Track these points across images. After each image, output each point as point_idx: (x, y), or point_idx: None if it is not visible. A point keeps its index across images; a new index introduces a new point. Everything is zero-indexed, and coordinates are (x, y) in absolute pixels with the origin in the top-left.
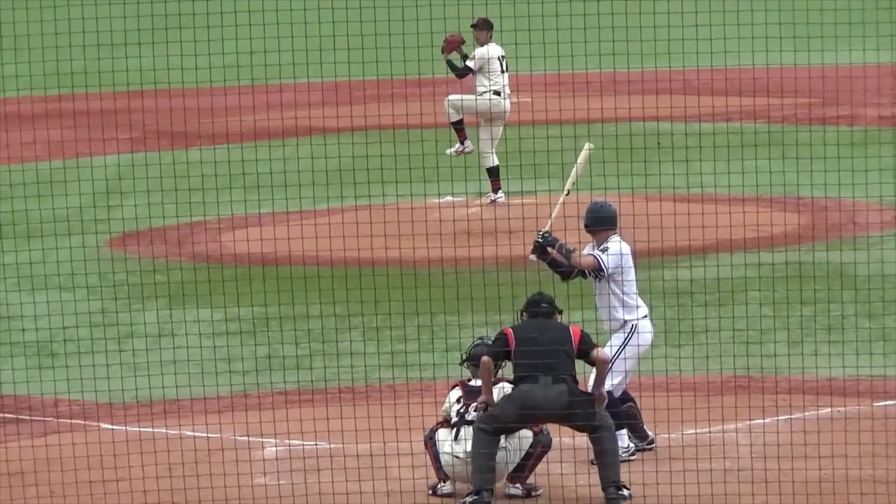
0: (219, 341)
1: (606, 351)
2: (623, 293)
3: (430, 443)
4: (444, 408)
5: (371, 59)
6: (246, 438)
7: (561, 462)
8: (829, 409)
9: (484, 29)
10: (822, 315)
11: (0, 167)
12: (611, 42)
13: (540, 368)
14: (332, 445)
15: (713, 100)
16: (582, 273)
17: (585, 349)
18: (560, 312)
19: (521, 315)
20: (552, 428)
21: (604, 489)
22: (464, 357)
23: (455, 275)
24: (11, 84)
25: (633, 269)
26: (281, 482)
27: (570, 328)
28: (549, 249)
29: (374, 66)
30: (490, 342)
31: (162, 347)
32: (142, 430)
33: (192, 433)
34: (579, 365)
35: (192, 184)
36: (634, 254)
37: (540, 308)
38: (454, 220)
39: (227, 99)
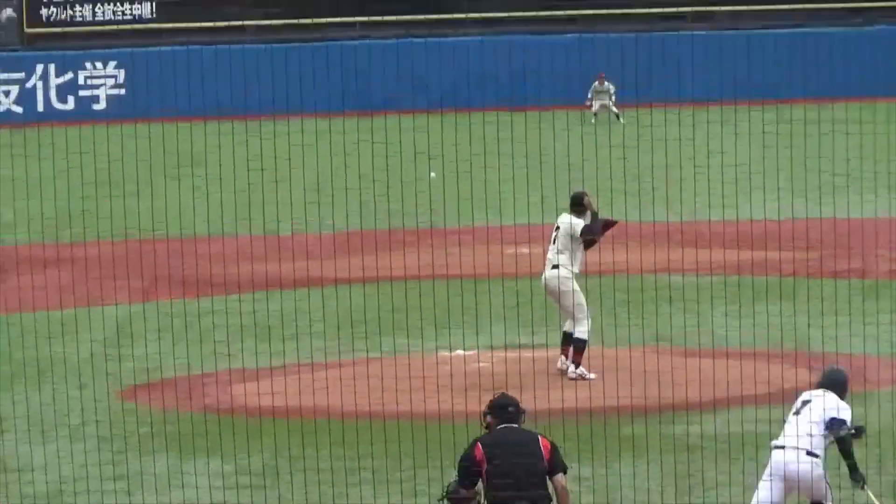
0: (229, 492)
1: (565, 480)
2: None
3: None
4: None
5: (383, 209)
6: None
7: None
8: None
9: None
10: (833, 469)
11: (11, 314)
12: (622, 194)
13: (514, 490)
14: None
15: (725, 252)
16: None
17: (553, 468)
18: (524, 413)
19: (485, 418)
20: None
21: None
22: (444, 494)
23: (465, 428)
24: (23, 230)
25: None
26: None
27: (540, 441)
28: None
29: (385, 216)
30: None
31: (172, 500)
32: None
33: None
34: None
35: (203, 333)
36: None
37: (507, 412)
38: (465, 374)
39: (238, 248)
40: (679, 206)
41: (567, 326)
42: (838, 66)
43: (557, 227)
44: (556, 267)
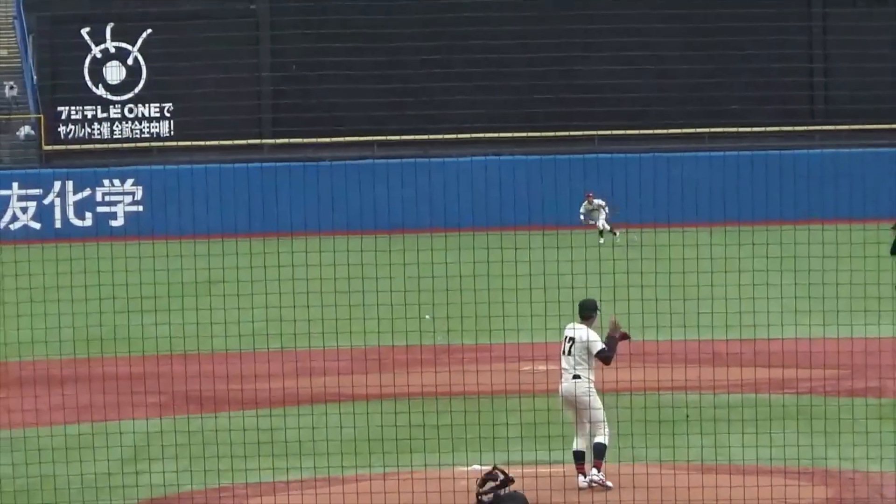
0: None
1: None
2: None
3: None
4: None
5: (400, 327)
6: None
7: None
8: None
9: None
10: None
11: (27, 430)
12: (640, 314)
13: None
14: None
15: (741, 371)
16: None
17: None
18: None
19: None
20: None
21: None
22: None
23: None
24: (41, 348)
25: None
26: None
27: None
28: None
29: (403, 334)
30: None
31: None
32: None
33: None
34: None
35: (220, 450)
36: None
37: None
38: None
39: (255, 365)
40: (696, 326)
41: (579, 445)
42: (844, 188)
43: (571, 339)
44: (576, 377)
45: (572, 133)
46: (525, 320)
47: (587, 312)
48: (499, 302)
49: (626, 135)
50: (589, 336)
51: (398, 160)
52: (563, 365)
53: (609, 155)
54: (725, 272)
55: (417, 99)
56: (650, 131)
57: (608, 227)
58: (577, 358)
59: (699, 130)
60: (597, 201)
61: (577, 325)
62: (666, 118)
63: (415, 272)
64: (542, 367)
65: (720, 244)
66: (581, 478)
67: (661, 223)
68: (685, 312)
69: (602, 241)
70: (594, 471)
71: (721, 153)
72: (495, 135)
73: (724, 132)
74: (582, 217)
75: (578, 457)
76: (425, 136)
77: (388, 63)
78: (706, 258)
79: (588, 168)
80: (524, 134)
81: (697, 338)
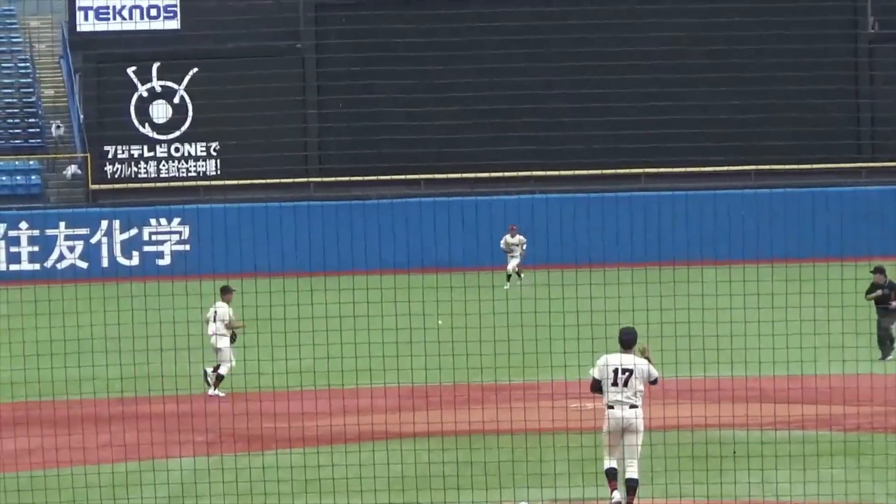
0: None
1: None
2: None
3: None
4: None
5: (448, 364)
6: None
7: None
8: None
9: None
10: None
11: (75, 469)
12: (687, 351)
13: None
14: None
15: (789, 408)
16: None
17: None
18: None
19: None
20: None
21: None
22: None
23: None
24: (88, 386)
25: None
26: None
27: None
28: None
29: (450, 371)
30: None
31: None
32: None
33: None
34: None
35: (267, 487)
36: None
37: None
38: None
39: (303, 403)
40: (743, 362)
41: (612, 463)
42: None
43: (627, 371)
44: (633, 407)
45: (618, 171)
46: (573, 357)
47: (633, 340)
48: (546, 339)
49: (671, 172)
50: (650, 369)
51: (445, 198)
52: (615, 397)
53: (656, 193)
54: (772, 308)
55: (464, 136)
56: (695, 169)
57: (517, 270)
58: (635, 388)
59: (744, 168)
60: (519, 237)
61: (625, 355)
62: (710, 155)
63: (461, 309)
64: (590, 405)
65: (766, 280)
66: (616, 493)
67: (707, 259)
68: (732, 349)
69: (507, 286)
70: None
71: (767, 190)
72: (542, 173)
73: (769, 169)
74: (503, 247)
75: (612, 474)
76: (473, 175)
77: (435, 100)
78: (753, 294)
79: (634, 205)
80: (570, 172)
81: (744, 374)
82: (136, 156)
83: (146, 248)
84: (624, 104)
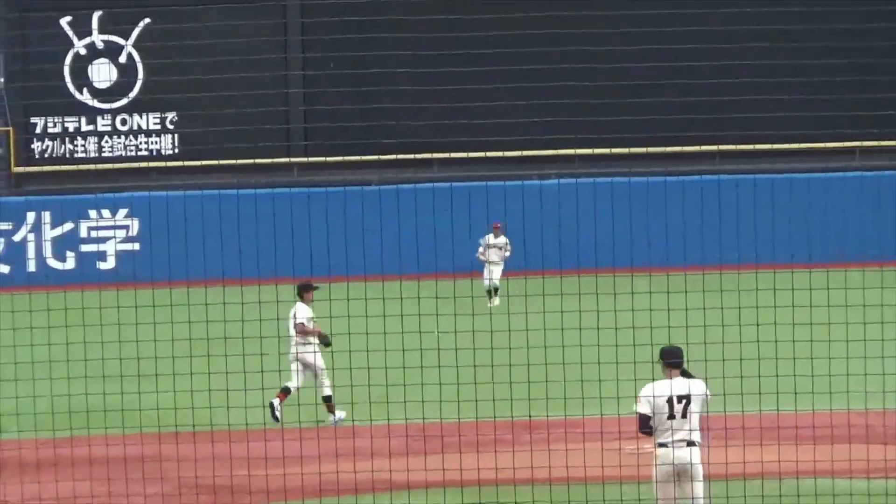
0: None
1: None
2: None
3: None
4: None
5: (468, 395)
6: None
7: None
8: None
9: None
10: None
11: None
12: (774, 378)
13: None
14: None
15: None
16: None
17: None
18: None
19: None
20: None
21: None
22: None
23: None
24: (11, 423)
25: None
26: None
27: None
28: None
29: (471, 404)
30: None
31: None
32: None
33: None
34: None
35: None
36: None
37: None
38: None
39: (284, 445)
40: (845, 392)
41: None
42: None
43: (684, 398)
44: (691, 444)
45: (684, 148)
46: (628, 385)
47: (681, 361)
48: (593, 363)
49: (749, 150)
50: (707, 389)
51: (464, 182)
52: (668, 435)
53: (731, 176)
54: (882, 323)
55: (488, 104)
56: (778, 146)
57: (496, 285)
58: (692, 419)
59: (847, 144)
60: (504, 238)
61: (679, 379)
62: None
63: (486, 324)
64: (649, 447)
65: (875, 287)
66: None
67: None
68: (831, 375)
69: (495, 303)
70: None
71: (875, 172)
72: (587, 150)
73: (878, 146)
74: (480, 251)
75: None
76: (498, 153)
77: (452, 59)
78: (857, 305)
79: (706, 190)
80: (623, 150)
81: (846, 407)
82: (71, 130)
83: (84, 248)
84: (695, 62)
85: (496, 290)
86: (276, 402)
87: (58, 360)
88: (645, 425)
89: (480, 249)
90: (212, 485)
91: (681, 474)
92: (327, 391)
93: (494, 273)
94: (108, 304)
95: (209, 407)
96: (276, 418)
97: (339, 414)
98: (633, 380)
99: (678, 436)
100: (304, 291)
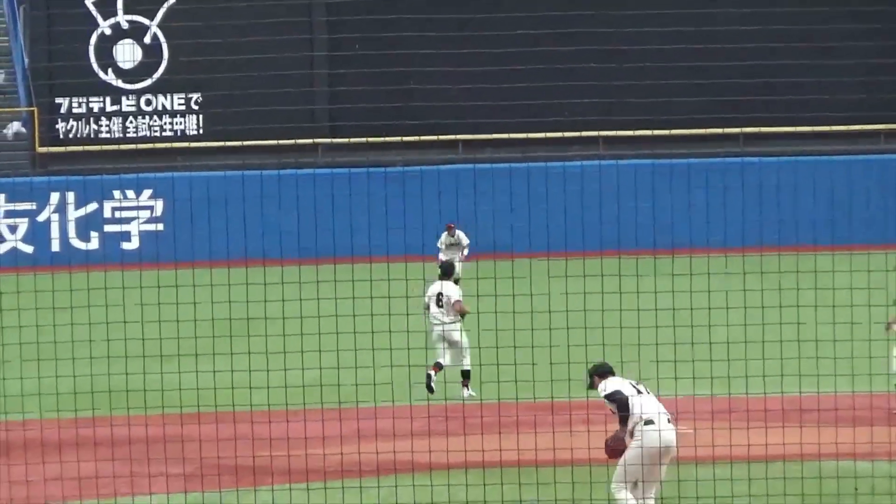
0: None
1: None
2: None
3: None
4: None
5: (490, 377)
6: None
7: None
8: None
9: None
10: None
11: None
12: (796, 360)
13: None
14: None
15: None
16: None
17: None
18: None
19: None
20: None
21: None
22: None
23: None
24: (32, 403)
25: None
26: None
27: None
28: None
29: (493, 385)
30: None
31: None
32: None
33: None
34: None
35: None
36: None
37: None
38: None
39: (306, 426)
40: (868, 374)
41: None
42: None
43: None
44: (670, 422)
45: (710, 130)
46: (650, 367)
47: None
48: (616, 344)
49: (776, 132)
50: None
51: (489, 164)
52: (652, 409)
53: (755, 159)
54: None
55: (513, 86)
56: (805, 128)
57: (458, 275)
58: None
59: (872, 127)
60: (460, 233)
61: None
62: (829, 110)
63: (508, 306)
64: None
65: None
66: None
67: (822, 245)
68: (853, 357)
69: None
70: None
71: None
72: (612, 132)
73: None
74: (441, 250)
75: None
76: (524, 135)
77: (478, 40)
78: (880, 288)
79: (730, 173)
80: (646, 132)
81: (869, 389)
82: (96, 110)
83: (108, 228)
84: (718, 45)
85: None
86: (432, 373)
87: (80, 340)
88: (624, 408)
89: (441, 254)
90: (234, 465)
91: (664, 454)
92: (467, 367)
93: (459, 266)
94: (131, 284)
95: (231, 388)
96: (430, 389)
97: (470, 391)
98: (654, 361)
99: (664, 410)
100: (451, 270)
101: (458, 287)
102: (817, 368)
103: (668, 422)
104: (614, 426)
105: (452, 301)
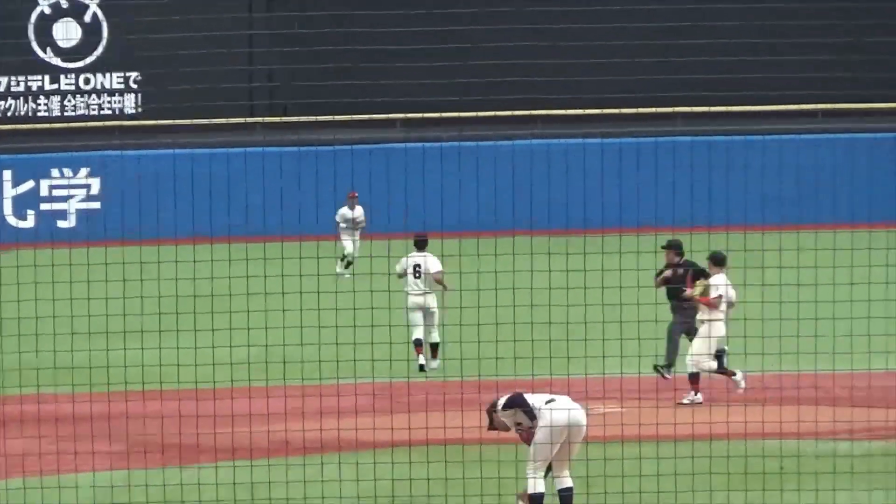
0: None
1: None
2: None
3: None
4: None
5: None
6: None
7: None
8: None
9: None
10: None
11: None
12: (741, 337)
13: None
14: None
15: (853, 412)
16: None
17: None
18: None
19: None
20: None
21: None
22: None
23: None
24: None
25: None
26: None
27: None
28: None
29: (441, 363)
30: None
31: None
32: None
33: None
34: None
35: None
36: None
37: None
38: None
39: (250, 403)
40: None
41: (541, 487)
42: None
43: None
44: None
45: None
46: (596, 345)
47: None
48: (568, 323)
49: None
50: None
51: (433, 143)
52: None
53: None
54: (851, 284)
55: (462, 63)
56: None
57: (354, 255)
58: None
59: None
60: (359, 208)
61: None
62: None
63: (456, 284)
64: (613, 408)
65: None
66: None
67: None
68: (798, 336)
69: (346, 273)
70: None
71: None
72: (558, 111)
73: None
74: (338, 220)
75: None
76: (466, 113)
77: (424, 18)
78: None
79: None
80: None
81: (797, 369)
82: (34, 89)
83: (44, 207)
84: (664, 23)
85: (351, 261)
86: (419, 356)
87: (10, 318)
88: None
89: (337, 220)
90: (177, 442)
91: (573, 432)
92: (436, 340)
93: (351, 246)
94: (66, 262)
95: (176, 365)
96: (422, 368)
97: (436, 363)
98: (600, 339)
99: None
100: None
101: (437, 259)
102: (745, 346)
103: (574, 402)
104: None
105: (433, 272)
